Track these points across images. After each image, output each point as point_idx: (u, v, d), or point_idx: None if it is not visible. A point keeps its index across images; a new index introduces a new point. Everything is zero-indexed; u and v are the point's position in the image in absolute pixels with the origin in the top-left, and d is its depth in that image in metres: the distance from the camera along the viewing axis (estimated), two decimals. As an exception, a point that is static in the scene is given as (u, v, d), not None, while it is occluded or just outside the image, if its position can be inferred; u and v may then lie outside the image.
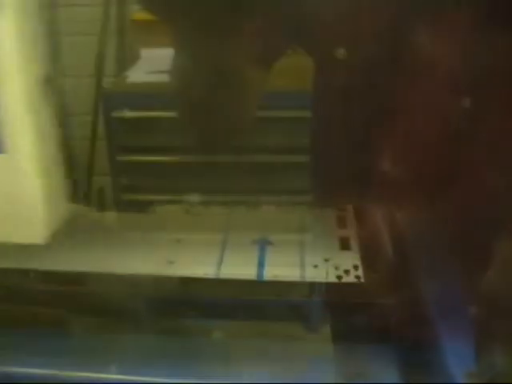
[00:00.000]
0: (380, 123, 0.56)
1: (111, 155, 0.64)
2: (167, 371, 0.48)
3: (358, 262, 0.57)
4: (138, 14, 0.65)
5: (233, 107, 0.58)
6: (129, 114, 0.65)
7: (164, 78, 0.67)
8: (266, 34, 0.56)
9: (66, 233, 0.61)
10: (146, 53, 0.71)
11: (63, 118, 0.60)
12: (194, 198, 0.64)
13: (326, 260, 0.58)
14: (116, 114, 0.66)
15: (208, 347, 0.51)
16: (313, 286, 0.55)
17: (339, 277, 0.56)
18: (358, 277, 0.55)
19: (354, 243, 0.60)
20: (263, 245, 0.61)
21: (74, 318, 0.54)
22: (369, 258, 0.58)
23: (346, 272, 0.56)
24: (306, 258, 0.58)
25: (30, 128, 0.48)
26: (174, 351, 0.51)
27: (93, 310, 0.55)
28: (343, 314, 0.53)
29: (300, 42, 0.58)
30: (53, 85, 0.51)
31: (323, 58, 0.56)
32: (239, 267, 0.56)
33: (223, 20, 0.53)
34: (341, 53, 0.53)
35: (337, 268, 0.56)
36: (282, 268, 0.56)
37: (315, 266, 0.57)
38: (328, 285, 0.55)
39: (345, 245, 0.60)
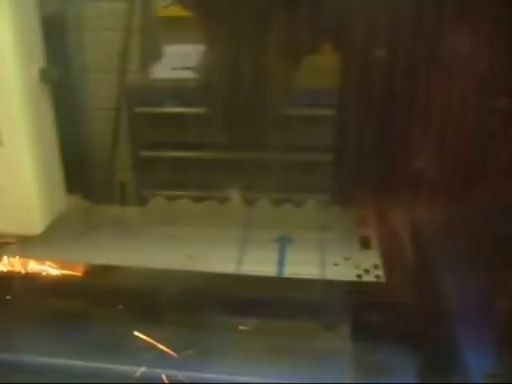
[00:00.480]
0: (409, 123, 0.56)
1: (134, 151, 0.65)
2: (190, 364, 0.48)
3: (379, 261, 0.56)
4: (163, 10, 0.65)
5: (261, 103, 0.59)
6: (152, 110, 0.65)
7: (188, 74, 0.67)
8: (300, 31, 0.56)
9: (89, 226, 0.63)
10: (170, 49, 0.72)
11: (83, 112, 0.61)
12: (217, 194, 0.64)
13: (347, 259, 0.57)
14: (139, 109, 0.66)
15: (231, 342, 0.51)
16: (332, 284, 0.54)
17: (359, 276, 0.55)
18: (378, 276, 0.54)
19: (374, 242, 0.59)
20: (284, 242, 0.60)
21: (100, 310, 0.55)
22: (390, 258, 0.57)
23: (366, 271, 0.55)
24: (327, 257, 0.57)
25: (26, 122, 0.48)
26: (197, 345, 0.51)
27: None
28: (363, 312, 0.51)
29: (333, 40, 0.58)
30: (49, 80, 0.51)
31: (357, 57, 0.56)
32: (260, 264, 0.56)
33: (257, 15, 0.54)
34: (378, 52, 0.53)
35: (357, 267, 0.56)
36: (303, 266, 0.56)
37: (335, 265, 0.56)
38: (348, 283, 0.54)
39: (365, 244, 0.60)
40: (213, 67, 0.61)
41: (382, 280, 0.54)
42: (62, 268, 0.57)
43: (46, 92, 0.50)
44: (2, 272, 0.57)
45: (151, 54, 0.62)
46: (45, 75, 0.49)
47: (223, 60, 0.60)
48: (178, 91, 0.65)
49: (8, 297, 0.55)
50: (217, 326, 0.51)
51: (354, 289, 0.53)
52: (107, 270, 0.57)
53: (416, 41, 0.53)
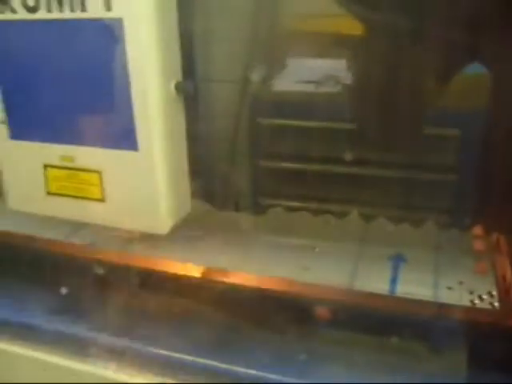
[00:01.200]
0: None
1: (254, 160, 0.66)
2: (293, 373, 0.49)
3: (494, 289, 0.55)
4: (288, 22, 0.67)
5: (405, 117, 0.58)
6: (274, 121, 0.67)
7: (310, 87, 0.68)
8: (454, 48, 0.56)
9: (206, 232, 0.66)
10: (293, 62, 0.73)
11: (205, 120, 0.65)
12: (332, 207, 0.65)
13: (461, 283, 0.56)
14: (261, 120, 0.68)
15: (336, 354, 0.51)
16: (444, 307, 0.52)
17: (473, 302, 0.54)
18: (492, 304, 0.53)
19: (490, 269, 0.58)
20: (397, 261, 0.59)
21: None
22: (505, 286, 0.55)
23: (480, 297, 0.54)
24: (440, 279, 0.56)
25: (162, 130, 0.52)
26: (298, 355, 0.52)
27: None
28: (474, 339, 0.49)
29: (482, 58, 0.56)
30: (184, 93, 0.55)
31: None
32: (372, 280, 0.56)
33: (416, 29, 0.54)
34: None
35: (471, 292, 0.55)
36: (415, 286, 0.55)
37: (449, 288, 0.55)
38: (460, 308, 0.52)
39: (481, 270, 0.58)
40: (367, 72, 0.61)
41: (497, 308, 0.52)
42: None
43: (181, 103, 0.54)
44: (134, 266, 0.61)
45: (276, 66, 0.64)
46: (180, 88, 0.53)
47: (370, 74, 0.60)
48: (302, 104, 0.66)
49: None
50: (326, 337, 0.52)
51: (467, 314, 0.51)
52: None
53: None
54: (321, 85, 0.68)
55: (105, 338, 0.54)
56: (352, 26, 0.65)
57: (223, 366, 0.51)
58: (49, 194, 0.57)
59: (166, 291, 0.59)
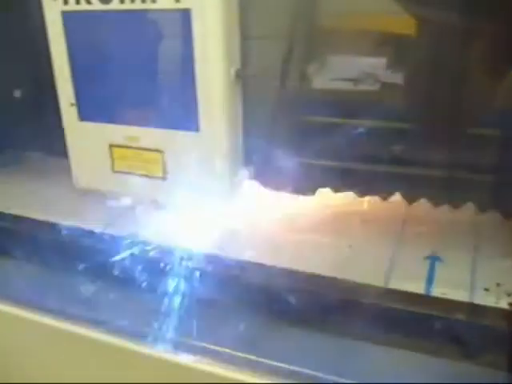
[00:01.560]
0: None
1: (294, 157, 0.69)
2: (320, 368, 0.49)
3: None
4: (326, 20, 0.68)
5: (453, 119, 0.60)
6: (312, 118, 0.69)
7: (348, 85, 0.69)
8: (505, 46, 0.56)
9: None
10: (331, 60, 0.74)
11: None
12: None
13: (498, 285, 0.54)
14: (299, 118, 0.70)
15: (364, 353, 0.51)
16: (480, 309, 0.51)
17: (511, 304, 0.52)
18: None
19: None
20: (434, 260, 0.59)
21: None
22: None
23: None
24: (477, 280, 0.55)
25: (223, 112, 0.56)
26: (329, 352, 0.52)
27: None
28: (508, 342, 0.48)
29: None
30: (241, 79, 0.59)
31: None
32: (408, 280, 0.55)
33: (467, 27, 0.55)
34: None
35: (509, 295, 0.53)
36: (451, 286, 0.54)
37: (486, 290, 0.54)
38: (497, 310, 0.51)
39: None
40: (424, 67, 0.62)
41: None
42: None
43: (239, 89, 0.58)
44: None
45: (313, 64, 0.66)
46: (239, 75, 0.57)
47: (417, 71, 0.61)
48: (339, 102, 0.68)
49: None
50: (357, 335, 0.51)
51: (503, 317, 0.50)
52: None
53: None
54: (359, 82, 0.71)
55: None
56: (394, 24, 0.67)
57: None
58: (114, 171, 0.62)
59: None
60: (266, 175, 0.67)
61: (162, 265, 0.55)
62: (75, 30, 0.59)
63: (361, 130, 0.65)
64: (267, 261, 0.57)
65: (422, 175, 0.63)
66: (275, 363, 0.49)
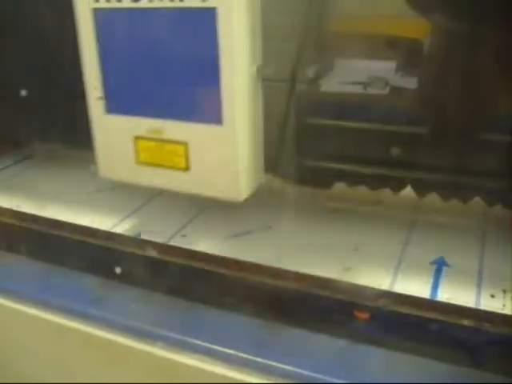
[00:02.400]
0: None
1: (298, 158, 0.70)
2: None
3: None
4: (335, 24, 0.70)
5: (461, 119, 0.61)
6: (320, 121, 0.70)
7: (357, 89, 0.70)
8: None
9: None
10: (340, 63, 0.75)
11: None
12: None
13: (505, 291, 0.55)
14: (307, 120, 0.72)
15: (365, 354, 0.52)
16: (485, 316, 0.51)
17: None
18: None
19: None
20: (440, 265, 0.59)
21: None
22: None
23: None
24: (484, 286, 0.56)
25: (245, 107, 0.59)
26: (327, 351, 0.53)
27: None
28: None
29: None
30: (261, 76, 0.61)
31: None
32: (413, 284, 0.56)
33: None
34: None
35: None
36: (457, 292, 0.55)
37: (492, 296, 0.54)
38: (503, 317, 0.51)
39: None
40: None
41: None
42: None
43: (260, 85, 0.60)
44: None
45: (322, 67, 0.68)
46: (260, 72, 0.60)
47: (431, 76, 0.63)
48: (346, 105, 0.71)
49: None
50: (359, 338, 0.53)
51: (509, 324, 0.50)
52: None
53: None
54: (369, 86, 0.72)
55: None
56: (403, 28, 0.68)
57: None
58: (138, 163, 0.64)
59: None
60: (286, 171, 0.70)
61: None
62: (105, 26, 0.61)
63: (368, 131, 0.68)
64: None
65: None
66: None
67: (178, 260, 0.63)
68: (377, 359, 0.51)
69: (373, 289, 0.54)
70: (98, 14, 0.61)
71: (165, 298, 0.62)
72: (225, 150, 0.59)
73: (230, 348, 0.54)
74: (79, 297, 0.64)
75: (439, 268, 0.59)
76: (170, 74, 0.60)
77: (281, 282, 0.57)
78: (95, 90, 0.64)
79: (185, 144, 0.61)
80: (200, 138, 0.60)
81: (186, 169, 0.62)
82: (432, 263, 0.59)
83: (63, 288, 0.66)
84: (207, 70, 0.57)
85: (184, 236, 0.70)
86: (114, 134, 0.65)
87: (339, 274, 0.59)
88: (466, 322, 0.49)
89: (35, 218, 0.72)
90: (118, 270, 0.65)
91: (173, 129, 0.61)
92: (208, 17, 0.56)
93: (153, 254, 0.64)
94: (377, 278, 0.58)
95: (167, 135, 0.62)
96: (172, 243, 0.68)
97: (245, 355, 0.54)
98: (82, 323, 0.61)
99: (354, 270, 0.60)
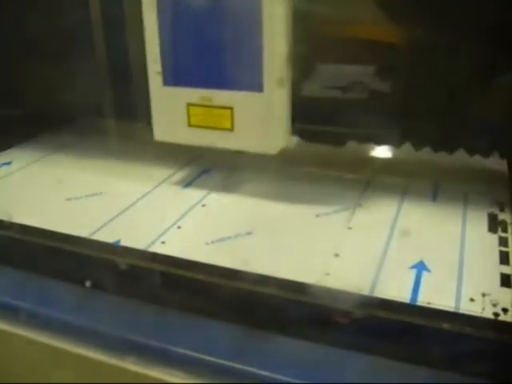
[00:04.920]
0: None
1: None
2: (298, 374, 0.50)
3: None
4: (316, 30, 0.76)
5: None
6: (301, 126, 0.80)
7: (338, 93, 0.81)
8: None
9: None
10: (321, 68, 0.82)
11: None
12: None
13: (484, 295, 0.55)
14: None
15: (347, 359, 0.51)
16: (465, 319, 0.51)
17: (496, 314, 0.52)
18: None
19: None
20: (420, 269, 0.60)
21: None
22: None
23: (505, 310, 0.52)
24: (463, 290, 0.56)
25: (281, 78, 0.73)
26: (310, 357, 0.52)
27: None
28: (496, 353, 0.48)
29: None
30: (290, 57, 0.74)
31: None
32: (393, 288, 0.57)
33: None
34: None
35: (494, 305, 0.53)
36: (437, 296, 0.55)
37: (471, 300, 0.54)
38: (482, 320, 0.51)
39: (505, 282, 0.57)
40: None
41: None
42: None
43: (290, 61, 0.74)
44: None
45: (304, 72, 0.80)
46: (290, 53, 0.74)
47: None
48: (327, 110, 0.82)
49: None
50: (340, 343, 0.52)
51: (488, 327, 0.50)
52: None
53: None
54: (348, 90, 0.83)
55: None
56: (381, 34, 0.78)
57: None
58: (189, 126, 0.78)
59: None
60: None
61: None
62: (165, 13, 0.75)
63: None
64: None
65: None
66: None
67: (153, 266, 0.61)
68: (357, 364, 0.50)
69: (352, 293, 0.55)
70: (161, 3, 0.74)
71: (139, 305, 0.59)
72: (263, 112, 0.73)
73: (207, 355, 0.53)
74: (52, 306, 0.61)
75: (419, 271, 0.60)
76: (219, 51, 0.74)
77: (260, 287, 0.56)
78: (154, 66, 0.78)
79: (230, 108, 0.75)
80: (243, 104, 0.74)
81: (231, 129, 0.76)
82: (412, 268, 0.61)
83: (34, 296, 0.63)
84: (252, 48, 0.71)
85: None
86: (170, 103, 0.79)
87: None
88: (445, 326, 0.49)
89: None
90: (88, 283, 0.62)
91: (220, 96, 0.75)
92: (254, 3, 0.69)
93: (126, 261, 0.62)
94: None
95: (215, 102, 0.76)
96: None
97: (223, 362, 0.52)
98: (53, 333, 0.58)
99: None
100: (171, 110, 0.79)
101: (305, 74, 0.81)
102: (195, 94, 0.77)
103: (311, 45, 0.76)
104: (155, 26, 0.76)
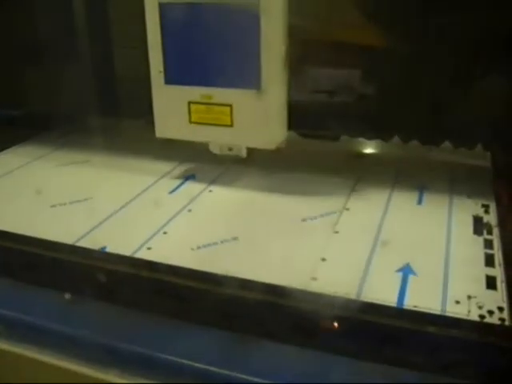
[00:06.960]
0: None
1: None
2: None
3: (504, 304, 0.54)
4: (304, 34, 0.80)
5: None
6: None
7: (325, 97, 0.85)
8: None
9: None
10: (309, 72, 0.86)
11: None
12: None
13: (470, 297, 0.55)
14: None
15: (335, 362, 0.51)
16: (451, 322, 0.52)
17: (482, 316, 0.53)
18: (502, 319, 0.52)
19: (500, 284, 0.58)
20: (407, 273, 0.60)
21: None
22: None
23: (490, 313, 0.53)
24: (449, 292, 0.56)
25: (278, 76, 0.77)
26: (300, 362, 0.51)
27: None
28: (482, 355, 0.49)
29: None
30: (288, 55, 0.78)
31: None
32: (380, 292, 0.57)
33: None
34: None
35: (480, 307, 0.54)
36: (423, 299, 0.55)
37: (457, 302, 0.55)
38: (468, 323, 0.52)
39: (491, 284, 0.58)
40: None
41: (507, 324, 0.52)
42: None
43: (287, 60, 0.77)
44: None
45: (295, 77, 0.82)
46: (286, 53, 0.77)
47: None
48: (315, 114, 0.85)
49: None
50: (327, 347, 0.51)
51: (474, 329, 0.51)
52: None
53: None
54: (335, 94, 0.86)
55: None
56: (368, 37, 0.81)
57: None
58: (191, 122, 0.82)
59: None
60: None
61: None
62: (168, 16, 0.79)
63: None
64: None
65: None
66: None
67: (140, 272, 0.61)
68: (344, 369, 0.50)
69: (339, 297, 0.55)
70: (163, 7, 0.78)
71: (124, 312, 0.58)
72: (262, 109, 0.78)
73: (193, 362, 0.52)
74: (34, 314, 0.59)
75: (406, 275, 0.60)
76: (218, 51, 0.78)
77: (246, 292, 0.56)
78: (156, 65, 0.82)
79: (230, 105, 0.79)
80: (242, 101, 0.78)
81: (231, 125, 0.80)
82: (398, 271, 0.61)
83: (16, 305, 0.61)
84: (250, 49, 0.75)
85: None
86: (171, 101, 0.83)
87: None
88: (431, 329, 0.49)
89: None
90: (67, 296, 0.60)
91: (220, 94, 0.80)
92: (252, 8, 0.73)
93: (111, 266, 0.62)
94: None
95: (215, 100, 0.80)
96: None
97: (209, 368, 0.51)
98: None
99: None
100: (173, 107, 0.83)
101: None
102: (196, 92, 0.81)
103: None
104: (157, 27, 0.79)
